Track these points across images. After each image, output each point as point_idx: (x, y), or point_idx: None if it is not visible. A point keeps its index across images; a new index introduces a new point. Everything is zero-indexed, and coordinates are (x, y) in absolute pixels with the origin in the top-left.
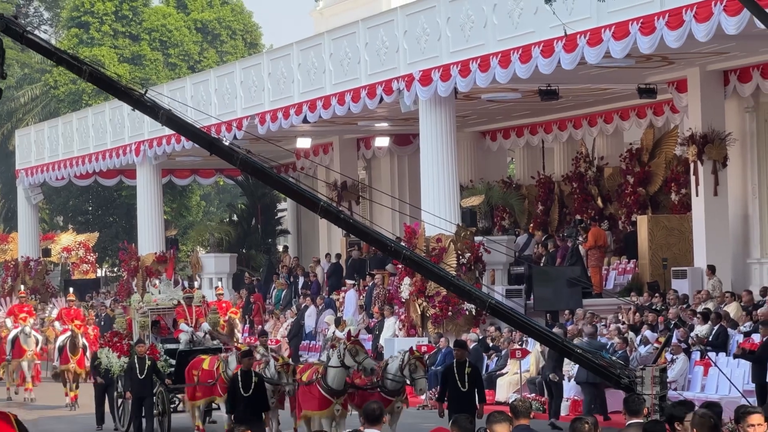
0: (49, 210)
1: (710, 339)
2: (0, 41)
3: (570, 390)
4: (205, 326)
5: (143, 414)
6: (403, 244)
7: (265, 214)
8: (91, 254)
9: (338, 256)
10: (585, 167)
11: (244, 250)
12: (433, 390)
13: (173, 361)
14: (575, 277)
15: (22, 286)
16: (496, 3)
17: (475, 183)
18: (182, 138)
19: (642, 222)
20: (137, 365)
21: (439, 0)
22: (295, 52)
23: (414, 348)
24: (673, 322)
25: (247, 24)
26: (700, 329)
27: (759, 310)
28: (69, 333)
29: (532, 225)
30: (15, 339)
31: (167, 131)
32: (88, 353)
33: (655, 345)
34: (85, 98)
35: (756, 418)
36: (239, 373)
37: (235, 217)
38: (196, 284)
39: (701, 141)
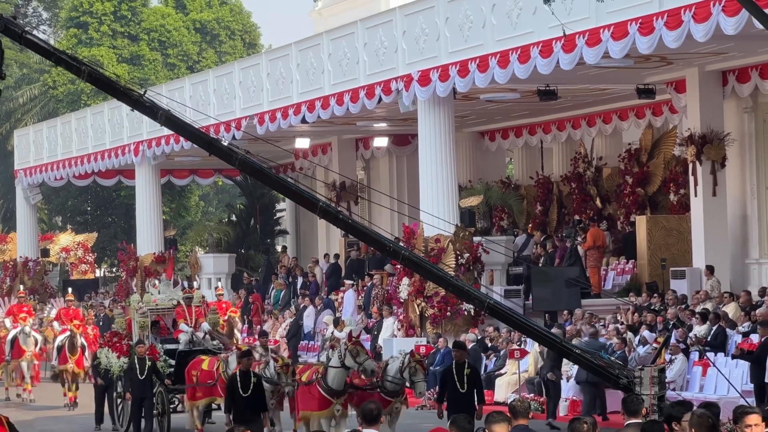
0: (47, 210)
1: (709, 339)
2: None
3: (569, 390)
4: (205, 326)
5: (143, 414)
6: (402, 245)
7: (264, 214)
8: (90, 254)
9: (337, 256)
10: (584, 167)
11: (242, 251)
12: (432, 390)
13: (173, 362)
14: (574, 277)
15: (21, 287)
16: (495, 3)
17: (474, 183)
18: (181, 138)
19: (641, 222)
20: (137, 366)
21: (437, 0)
22: (293, 53)
23: (414, 350)
24: (671, 323)
25: (246, 24)
26: (699, 329)
27: (757, 311)
28: (68, 333)
29: (530, 225)
30: (14, 339)
31: (166, 131)
32: (86, 353)
33: (654, 345)
34: (83, 98)
35: (754, 419)
36: (238, 373)
37: (233, 218)
38: (195, 284)
39: (700, 141)
